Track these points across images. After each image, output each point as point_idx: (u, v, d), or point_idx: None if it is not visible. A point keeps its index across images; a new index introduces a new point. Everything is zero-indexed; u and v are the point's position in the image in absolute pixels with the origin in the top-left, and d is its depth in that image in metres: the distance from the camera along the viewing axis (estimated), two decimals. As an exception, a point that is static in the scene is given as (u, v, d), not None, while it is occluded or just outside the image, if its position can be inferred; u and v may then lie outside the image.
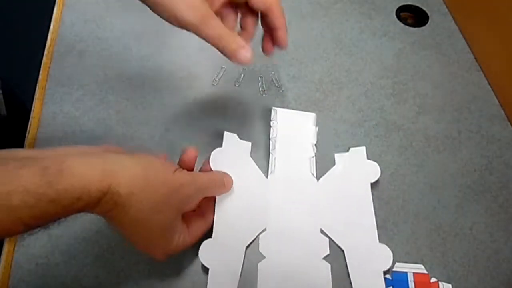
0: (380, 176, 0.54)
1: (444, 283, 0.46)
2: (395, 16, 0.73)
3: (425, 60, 0.67)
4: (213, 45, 0.41)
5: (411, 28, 0.71)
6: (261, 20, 0.45)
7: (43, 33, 0.66)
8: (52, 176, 0.31)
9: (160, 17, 0.41)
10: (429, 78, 0.65)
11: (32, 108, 0.58)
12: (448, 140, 0.58)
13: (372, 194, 0.52)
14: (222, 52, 0.41)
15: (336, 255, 0.47)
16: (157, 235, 0.38)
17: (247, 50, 0.41)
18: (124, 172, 0.34)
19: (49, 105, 0.58)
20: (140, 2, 0.40)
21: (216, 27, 0.40)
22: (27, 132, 0.56)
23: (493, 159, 0.57)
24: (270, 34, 0.45)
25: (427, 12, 0.73)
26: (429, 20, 0.72)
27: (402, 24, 0.72)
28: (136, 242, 0.39)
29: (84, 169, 0.33)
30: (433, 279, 0.47)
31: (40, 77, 0.61)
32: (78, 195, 0.32)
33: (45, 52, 0.64)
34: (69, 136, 0.56)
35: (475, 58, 0.67)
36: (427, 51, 0.68)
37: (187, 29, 0.40)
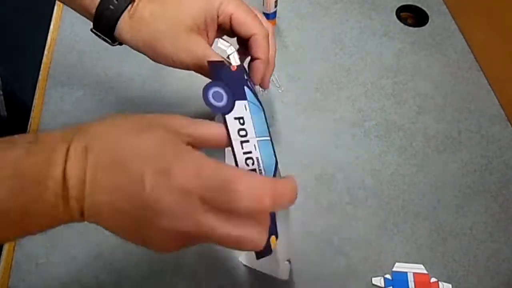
0: (380, 176, 0.54)
1: (444, 283, 0.46)
2: (395, 16, 0.73)
3: (425, 60, 0.67)
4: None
5: (411, 28, 0.71)
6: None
7: (43, 33, 0.66)
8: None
9: (164, 64, 0.41)
10: (429, 78, 0.65)
11: (32, 108, 0.58)
12: (448, 140, 0.58)
13: (372, 193, 0.52)
14: None
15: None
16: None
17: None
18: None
19: (49, 105, 0.58)
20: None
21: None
22: (27, 132, 0.56)
23: (493, 159, 0.57)
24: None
25: (427, 12, 0.73)
26: (429, 20, 0.72)
27: (402, 24, 0.72)
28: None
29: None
30: (433, 279, 0.47)
31: (40, 77, 0.61)
32: (34, 136, 0.29)
33: (45, 52, 0.64)
34: (69, 136, 0.55)
35: (475, 58, 0.67)
36: (427, 51, 0.68)
37: (187, 69, 0.41)
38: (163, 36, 0.40)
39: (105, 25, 0.41)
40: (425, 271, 0.47)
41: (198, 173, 0.27)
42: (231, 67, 0.37)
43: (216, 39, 0.43)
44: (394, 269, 0.47)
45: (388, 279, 0.46)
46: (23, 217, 0.28)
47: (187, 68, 0.41)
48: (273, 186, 0.28)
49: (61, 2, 0.47)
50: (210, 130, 0.33)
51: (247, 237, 0.28)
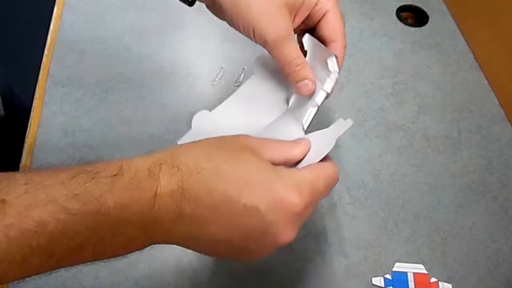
0: (380, 176, 0.54)
1: (444, 283, 0.46)
2: (395, 16, 0.73)
3: (425, 60, 0.67)
4: (280, 66, 0.38)
5: (411, 28, 0.71)
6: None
7: (43, 33, 0.66)
8: (90, 163, 0.27)
9: (235, 28, 0.38)
10: (429, 78, 0.65)
11: (32, 108, 0.58)
12: (448, 140, 0.58)
13: (372, 193, 0.52)
14: (286, 76, 0.39)
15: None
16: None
17: (312, 83, 0.38)
18: (182, 149, 0.31)
19: (49, 105, 0.58)
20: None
21: (292, 51, 0.37)
22: (27, 132, 0.56)
23: (493, 159, 0.57)
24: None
25: (427, 12, 0.73)
26: (429, 20, 0.72)
27: (402, 24, 0.72)
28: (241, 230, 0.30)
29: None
30: (433, 279, 0.47)
31: (40, 77, 0.61)
32: (118, 165, 0.27)
33: (45, 52, 0.64)
34: (69, 136, 0.56)
35: (475, 58, 0.67)
36: (427, 51, 0.68)
37: (260, 44, 0.37)
38: (254, 2, 0.36)
39: None
40: (425, 271, 0.47)
41: (311, 191, 0.31)
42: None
43: (333, 57, 0.38)
44: (394, 269, 0.47)
45: (388, 279, 0.46)
46: (99, 250, 0.27)
47: (258, 41, 0.37)
48: (334, 166, 0.35)
49: None
50: (293, 152, 0.35)
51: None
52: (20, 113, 0.73)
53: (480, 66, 0.66)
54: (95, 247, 0.26)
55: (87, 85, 0.60)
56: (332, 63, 0.37)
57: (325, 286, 0.46)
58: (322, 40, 0.39)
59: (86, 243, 0.26)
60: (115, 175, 0.27)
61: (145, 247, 0.29)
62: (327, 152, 0.35)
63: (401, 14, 0.73)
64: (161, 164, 0.28)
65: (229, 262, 0.47)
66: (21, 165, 0.53)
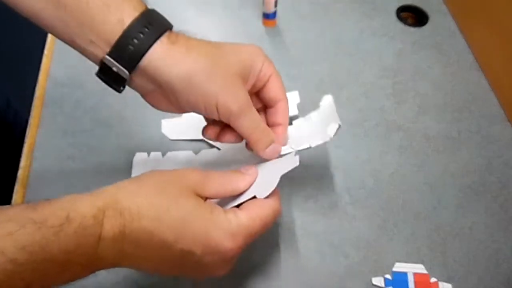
0: (380, 176, 0.54)
1: (444, 283, 0.46)
2: (395, 16, 0.73)
3: (425, 60, 0.67)
4: (244, 135, 0.39)
5: (411, 28, 0.71)
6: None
7: (43, 33, 0.66)
8: (38, 205, 0.29)
9: (188, 109, 0.38)
10: (429, 78, 0.65)
11: (32, 108, 0.58)
12: (448, 140, 0.58)
13: (372, 193, 0.52)
14: (249, 144, 0.39)
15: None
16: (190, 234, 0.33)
17: (278, 145, 0.41)
18: (125, 191, 0.33)
19: (49, 105, 0.58)
20: None
21: (256, 117, 0.38)
22: (27, 132, 0.56)
23: (493, 159, 0.57)
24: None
25: (427, 12, 0.73)
26: (429, 20, 0.72)
27: (402, 24, 0.72)
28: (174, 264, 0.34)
29: (73, 196, 0.31)
30: (433, 279, 0.47)
31: (40, 77, 0.61)
32: (65, 213, 0.29)
33: (45, 52, 0.64)
34: (69, 136, 0.56)
35: (475, 58, 0.67)
36: (427, 51, 0.68)
37: (223, 118, 0.37)
38: (213, 73, 0.35)
39: (132, 52, 0.35)
40: (425, 271, 0.47)
41: (244, 236, 0.34)
42: None
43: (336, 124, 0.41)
44: (394, 269, 0.47)
45: (388, 279, 0.46)
46: (43, 285, 0.29)
47: (219, 116, 0.37)
48: (277, 203, 0.38)
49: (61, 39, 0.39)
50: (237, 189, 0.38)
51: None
52: (19, 113, 0.73)
53: (480, 66, 0.66)
54: (40, 284, 0.29)
55: (87, 85, 0.60)
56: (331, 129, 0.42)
57: (325, 286, 0.46)
58: (268, 101, 0.41)
59: (31, 284, 0.28)
60: (62, 224, 0.28)
61: (93, 272, 0.32)
62: (271, 190, 0.37)
63: (401, 14, 0.73)
64: (105, 210, 0.30)
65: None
66: (21, 165, 0.53)
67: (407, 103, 0.62)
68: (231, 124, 0.38)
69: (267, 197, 0.37)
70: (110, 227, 0.30)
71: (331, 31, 0.70)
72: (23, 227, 0.27)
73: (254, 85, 0.40)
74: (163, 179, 0.34)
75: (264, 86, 0.40)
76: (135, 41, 0.34)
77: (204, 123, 0.42)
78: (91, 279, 0.45)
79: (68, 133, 0.56)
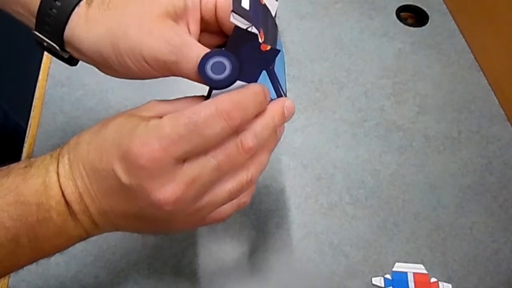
0: (380, 176, 0.54)
1: (444, 283, 0.46)
2: (395, 16, 0.73)
3: (425, 60, 0.67)
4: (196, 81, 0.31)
5: (411, 28, 0.71)
6: None
7: (43, 33, 0.66)
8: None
9: (128, 73, 0.32)
10: (429, 78, 0.65)
11: (32, 108, 0.58)
12: (448, 140, 0.58)
13: (372, 193, 0.52)
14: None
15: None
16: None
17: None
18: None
19: (49, 105, 0.58)
20: None
21: (199, 56, 0.29)
22: (27, 132, 0.56)
23: (493, 159, 0.57)
24: None
25: (427, 12, 0.73)
26: (429, 20, 0.72)
27: (402, 24, 0.72)
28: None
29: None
30: (433, 279, 0.47)
31: (40, 77, 0.61)
32: (28, 160, 0.30)
33: (45, 52, 0.64)
34: (69, 136, 0.55)
35: (475, 58, 0.67)
36: (427, 51, 0.68)
37: (161, 70, 0.31)
38: (130, 22, 0.29)
39: (53, 23, 0.31)
40: (425, 271, 0.47)
41: (158, 137, 0.26)
42: (262, 45, 0.28)
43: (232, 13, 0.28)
44: (394, 269, 0.47)
45: (388, 279, 0.46)
46: (33, 241, 0.28)
47: (158, 69, 0.31)
48: (231, 98, 0.27)
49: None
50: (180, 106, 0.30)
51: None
52: (19, 113, 0.73)
53: (480, 66, 0.66)
54: (30, 240, 0.28)
55: (87, 85, 0.60)
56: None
57: (325, 286, 0.46)
58: (227, 33, 0.32)
59: (17, 236, 0.27)
60: (25, 166, 0.29)
61: (81, 236, 0.30)
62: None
63: (401, 14, 0.73)
64: (60, 150, 0.30)
65: (229, 262, 0.47)
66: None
67: (407, 103, 0.62)
68: (178, 74, 0.31)
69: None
70: (61, 162, 0.29)
71: (331, 31, 0.70)
72: None
73: (203, 20, 0.32)
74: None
75: (216, 14, 0.32)
76: (54, 10, 0.30)
77: None
78: (91, 280, 0.45)
79: (68, 133, 0.56)
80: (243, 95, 0.28)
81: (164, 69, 0.30)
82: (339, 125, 0.59)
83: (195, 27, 0.32)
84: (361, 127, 0.59)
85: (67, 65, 0.65)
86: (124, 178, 0.27)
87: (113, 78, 0.64)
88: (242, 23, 0.27)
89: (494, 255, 0.49)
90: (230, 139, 0.28)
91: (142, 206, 0.28)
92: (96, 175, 0.28)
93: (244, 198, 0.32)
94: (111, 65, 0.32)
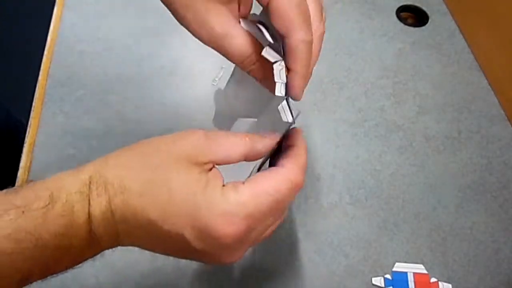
0: (380, 176, 0.54)
1: (444, 283, 0.46)
2: (395, 16, 0.73)
3: (425, 60, 0.67)
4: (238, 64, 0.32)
5: (411, 28, 0.71)
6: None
7: (43, 33, 0.66)
8: (21, 188, 0.26)
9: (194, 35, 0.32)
10: (429, 78, 0.65)
11: (32, 108, 0.58)
12: (448, 140, 0.58)
13: (372, 193, 0.52)
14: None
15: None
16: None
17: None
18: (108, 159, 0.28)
19: (49, 105, 0.58)
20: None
21: (238, 46, 0.30)
22: (27, 132, 0.56)
23: (493, 159, 0.57)
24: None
25: (427, 12, 0.73)
26: (429, 20, 0.72)
27: (402, 24, 0.72)
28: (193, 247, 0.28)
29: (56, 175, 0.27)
30: (433, 279, 0.47)
31: (40, 77, 0.61)
32: (48, 193, 0.26)
33: (45, 52, 0.64)
34: (69, 136, 0.56)
35: (475, 58, 0.67)
36: (427, 51, 0.68)
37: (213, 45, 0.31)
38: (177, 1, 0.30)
39: None
40: (425, 271, 0.47)
41: (244, 217, 0.27)
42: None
43: (266, 47, 0.30)
44: (394, 269, 0.47)
45: (388, 279, 0.46)
46: (44, 273, 0.27)
47: (208, 44, 0.31)
48: (301, 167, 0.31)
49: None
50: (233, 149, 0.30)
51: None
52: (19, 113, 0.73)
53: (480, 66, 0.66)
54: (41, 273, 0.27)
55: (87, 85, 0.60)
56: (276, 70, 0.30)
57: (325, 286, 0.46)
58: (278, 35, 0.31)
59: (30, 274, 0.26)
60: (47, 205, 0.25)
61: (97, 254, 0.30)
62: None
63: (401, 14, 0.73)
64: (90, 183, 0.27)
65: (229, 262, 0.47)
66: (21, 165, 0.53)
67: (407, 103, 0.62)
68: (219, 51, 0.31)
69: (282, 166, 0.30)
70: (97, 202, 0.26)
71: (331, 31, 0.70)
72: (5, 214, 0.24)
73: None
74: (155, 146, 0.29)
75: (268, 6, 0.29)
76: None
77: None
78: (92, 280, 0.45)
79: (68, 133, 0.56)
80: (304, 159, 0.32)
81: (211, 46, 0.31)
82: (339, 125, 0.59)
83: (246, 8, 0.32)
84: (361, 127, 0.59)
85: (67, 65, 0.65)
86: (196, 244, 0.27)
87: (113, 78, 0.65)
88: (272, 57, 0.30)
89: (494, 255, 0.49)
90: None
91: (200, 258, 0.29)
92: (150, 230, 0.27)
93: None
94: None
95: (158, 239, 0.28)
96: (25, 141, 0.55)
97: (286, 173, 0.29)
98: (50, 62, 0.63)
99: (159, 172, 0.27)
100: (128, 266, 0.46)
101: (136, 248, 0.40)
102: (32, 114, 0.57)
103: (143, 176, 0.27)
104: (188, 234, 0.27)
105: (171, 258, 0.46)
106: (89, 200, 0.26)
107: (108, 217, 0.27)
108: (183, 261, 0.46)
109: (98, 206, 0.26)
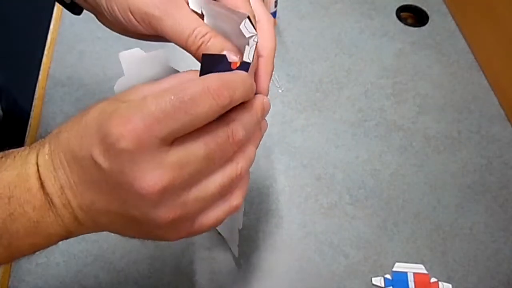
0: (380, 176, 0.54)
1: (444, 283, 0.46)
2: (395, 16, 0.73)
3: (425, 60, 0.67)
4: (181, 44, 0.30)
5: (411, 28, 0.71)
6: None
7: (43, 33, 0.66)
8: None
9: (120, 28, 0.31)
10: (429, 78, 0.65)
11: (32, 108, 0.58)
12: (448, 140, 0.58)
13: (372, 193, 0.52)
14: (192, 54, 0.31)
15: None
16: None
17: (235, 54, 0.29)
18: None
19: (49, 105, 0.58)
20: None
21: (188, 19, 0.29)
22: (27, 132, 0.56)
23: (493, 159, 0.57)
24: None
25: (427, 12, 0.73)
26: (429, 20, 0.72)
27: (402, 24, 0.72)
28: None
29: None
30: (433, 279, 0.47)
31: (40, 77, 0.61)
32: (2, 153, 0.26)
33: (45, 52, 0.64)
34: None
35: (475, 58, 0.67)
36: (427, 51, 0.68)
37: (145, 27, 0.30)
38: None
39: None
40: (425, 271, 0.47)
41: (141, 115, 0.23)
42: (232, 63, 0.27)
43: (246, 19, 0.28)
44: (394, 269, 0.47)
45: (388, 279, 0.46)
46: (6, 238, 0.25)
47: (143, 25, 0.30)
48: (220, 77, 0.25)
49: None
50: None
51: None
52: (19, 113, 0.73)
53: (480, 66, 0.66)
54: (1, 237, 0.25)
55: (87, 85, 0.60)
56: (247, 27, 0.28)
57: (325, 286, 0.46)
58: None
59: None
60: (1, 157, 0.26)
61: (61, 235, 0.27)
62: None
63: (401, 14, 0.73)
64: (38, 143, 0.27)
65: (229, 262, 0.47)
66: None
67: (407, 103, 0.62)
68: (162, 34, 0.30)
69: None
70: (41, 152, 0.26)
71: (331, 31, 0.70)
72: None
73: None
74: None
75: None
76: None
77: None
78: (91, 280, 0.45)
79: (68, 133, 0.56)
80: (232, 76, 0.26)
81: (149, 25, 0.29)
82: (339, 125, 0.59)
83: None
84: (361, 127, 0.59)
85: (67, 65, 0.65)
86: (103, 163, 0.24)
87: (113, 78, 0.64)
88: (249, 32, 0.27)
89: (494, 255, 0.49)
90: (219, 127, 0.25)
91: (124, 197, 0.24)
92: (77, 164, 0.25)
93: (236, 200, 0.28)
94: (103, 13, 0.31)
95: (80, 174, 0.25)
96: (25, 141, 0.55)
97: (200, 78, 0.25)
98: (50, 62, 0.63)
99: (86, 109, 0.27)
100: (128, 266, 0.46)
101: (136, 248, 0.40)
102: (32, 114, 0.57)
103: (74, 118, 0.27)
104: (97, 152, 0.24)
105: (171, 259, 0.47)
106: (37, 153, 0.26)
107: (51, 164, 0.26)
108: (183, 260, 0.46)
109: (42, 155, 0.26)
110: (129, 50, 0.32)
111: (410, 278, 0.46)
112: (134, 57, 0.32)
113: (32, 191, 0.25)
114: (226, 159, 0.26)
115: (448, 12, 0.74)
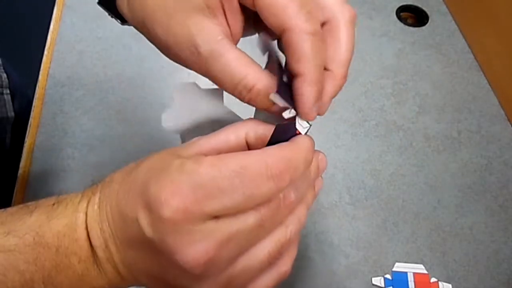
0: (380, 176, 0.54)
1: (444, 283, 0.46)
2: (395, 16, 0.73)
3: (425, 60, 0.67)
4: (225, 90, 0.28)
5: (411, 28, 0.71)
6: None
7: (43, 33, 0.66)
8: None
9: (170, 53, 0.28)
10: (429, 78, 0.65)
11: (32, 108, 0.58)
12: (448, 140, 0.58)
13: (372, 193, 0.52)
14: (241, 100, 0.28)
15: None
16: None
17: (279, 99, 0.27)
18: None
19: (49, 105, 0.58)
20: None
21: (230, 63, 0.25)
22: (27, 132, 0.56)
23: (493, 159, 0.57)
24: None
25: (427, 12, 0.73)
26: (429, 20, 0.72)
27: (402, 24, 0.72)
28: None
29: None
30: (433, 279, 0.47)
31: (40, 77, 0.61)
32: (56, 198, 0.26)
33: (45, 52, 0.64)
34: (69, 136, 0.56)
35: (475, 58, 0.67)
36: (427, 51, 0.68)
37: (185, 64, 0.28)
38: (156, 17, 0.27)
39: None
40: (425, 271, 0.47)
41: (193, 186, 0.21)
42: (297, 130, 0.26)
43: (297, 117, 0.26)
44: (394, 269, 0.47)
45: (388, 279, 0.46)
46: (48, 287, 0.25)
47: (187, 65, 0.28)
48: (283, 155, 0.23)
49: None
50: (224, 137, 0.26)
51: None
52: (21, 113, 0.73)
53: (480, 66, 0.66)
54: (45, 285, 0.24)
55: (87, 85, 0.60)
56: (299, 121, 0.27)
57: (325, 286, 0.46)
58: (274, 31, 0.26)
59: (32, 282, 0.24)
60: (54, 204, 0.25)
61: (107, 285, 0.26)
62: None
63: (401, 14, 0.73)
64: (90, 190, 0.26)
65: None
66: (21, 165, 0.53)
67: (407, 103, 0.62)
68: (202, 72, 0.27)
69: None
70: (92, 200, 0.26)
71: (331, 31, 0.70)
72: (15, 213, 0.25)
73: (246, 4, 0.25)
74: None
75: (256, 5, 0.24)
76: None
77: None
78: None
79: (68, 133, 0.56)
80: (295, 153, 0.23)
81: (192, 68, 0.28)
82: (339, 125, 0.59)
83: (234, 18, 0.27)
84: (361, 127, 0.59)
85: (67, 65, 0.65)
86: (146, 229, 0.22)
87: (113, 78, 0.65)
88: (281, 103, 0.26)
89: (494, 255, 0.49)
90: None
91: (166, 266, 0.23)
92: (121, 220, 0.24)
93: (284, 266, 0.25)
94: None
95: (123, 232, 0.24)
96: (25, 141, 0.55)
97: (261, 154, 0.22)
98: (50, 62, 0.63)
99: (140, 160, 0.25)
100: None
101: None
102: (32, 114, 0.57)
103: (127, 167, 0.25)
104: (141, 216, 0.22)
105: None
106: (88, 201, 0.25)
107: (98, 215, 0.25)
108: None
109: (92, 204, 0.25)
110: (185, 82, 0.31)
111: (410, 278, 0.46)
112: (189, 90, 0.32)
113: (79, 241, 0.25)
114: (277, 224, 0.24)
115: (448, 12, 0.74)
